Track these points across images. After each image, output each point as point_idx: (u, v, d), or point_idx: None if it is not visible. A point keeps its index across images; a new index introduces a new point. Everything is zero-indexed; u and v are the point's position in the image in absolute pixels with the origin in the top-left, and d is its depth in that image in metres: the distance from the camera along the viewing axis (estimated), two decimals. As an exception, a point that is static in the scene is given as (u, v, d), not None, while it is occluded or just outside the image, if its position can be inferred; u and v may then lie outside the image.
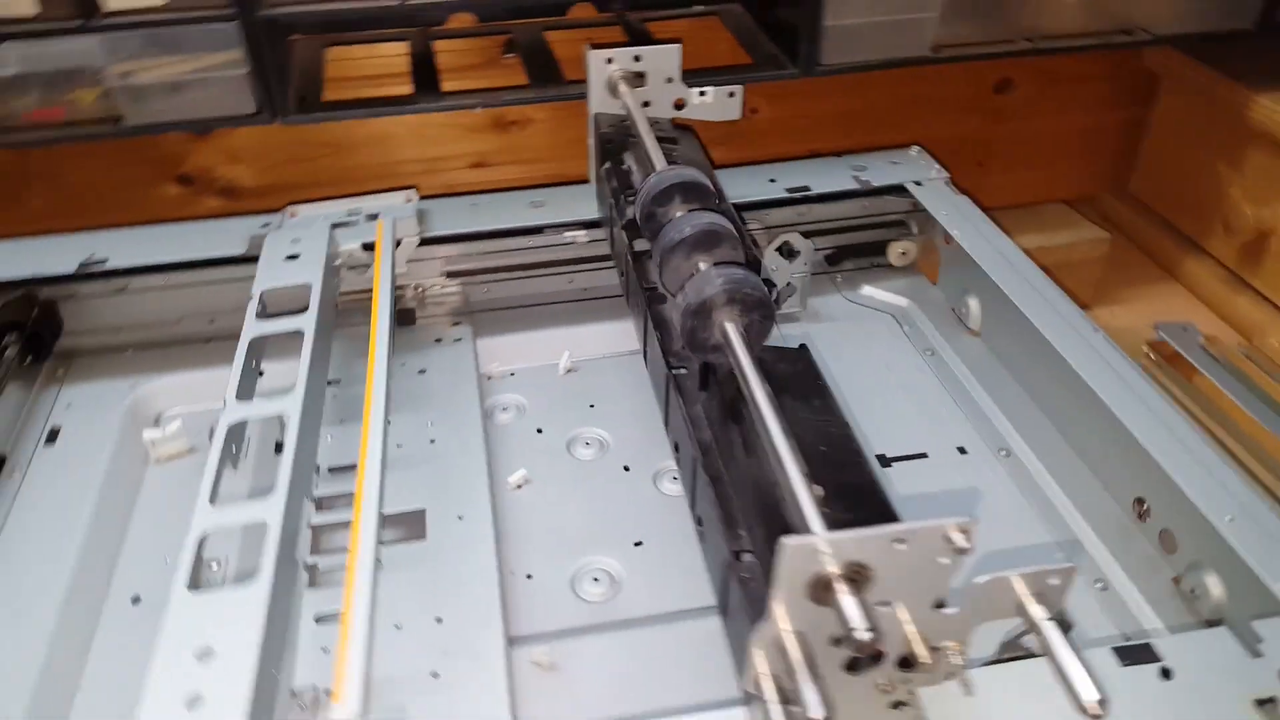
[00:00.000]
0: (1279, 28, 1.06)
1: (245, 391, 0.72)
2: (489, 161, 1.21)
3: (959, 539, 0.41)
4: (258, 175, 1.17)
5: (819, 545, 0.40)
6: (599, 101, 0.89)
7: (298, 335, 0.80)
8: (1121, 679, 0.54)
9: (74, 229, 0.97)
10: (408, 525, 0.77)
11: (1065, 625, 0.63)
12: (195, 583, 0.57)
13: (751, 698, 0.47)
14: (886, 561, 0.41)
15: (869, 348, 0.97)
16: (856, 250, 1.06)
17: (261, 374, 0.86)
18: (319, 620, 0.68)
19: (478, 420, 0.86)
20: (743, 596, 0.50)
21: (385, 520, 0.77)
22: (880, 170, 1.03)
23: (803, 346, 0.63)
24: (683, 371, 0.65)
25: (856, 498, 0.52)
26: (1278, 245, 1.13)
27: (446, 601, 0.71)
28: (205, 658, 0.53)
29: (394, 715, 0.52)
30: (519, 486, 0.84)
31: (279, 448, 0.78)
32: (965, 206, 0.98)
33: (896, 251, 1.05)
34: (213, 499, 0.62)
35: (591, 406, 0.92)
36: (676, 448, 0.68)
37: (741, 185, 1.00)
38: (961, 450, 0.85)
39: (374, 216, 0.94)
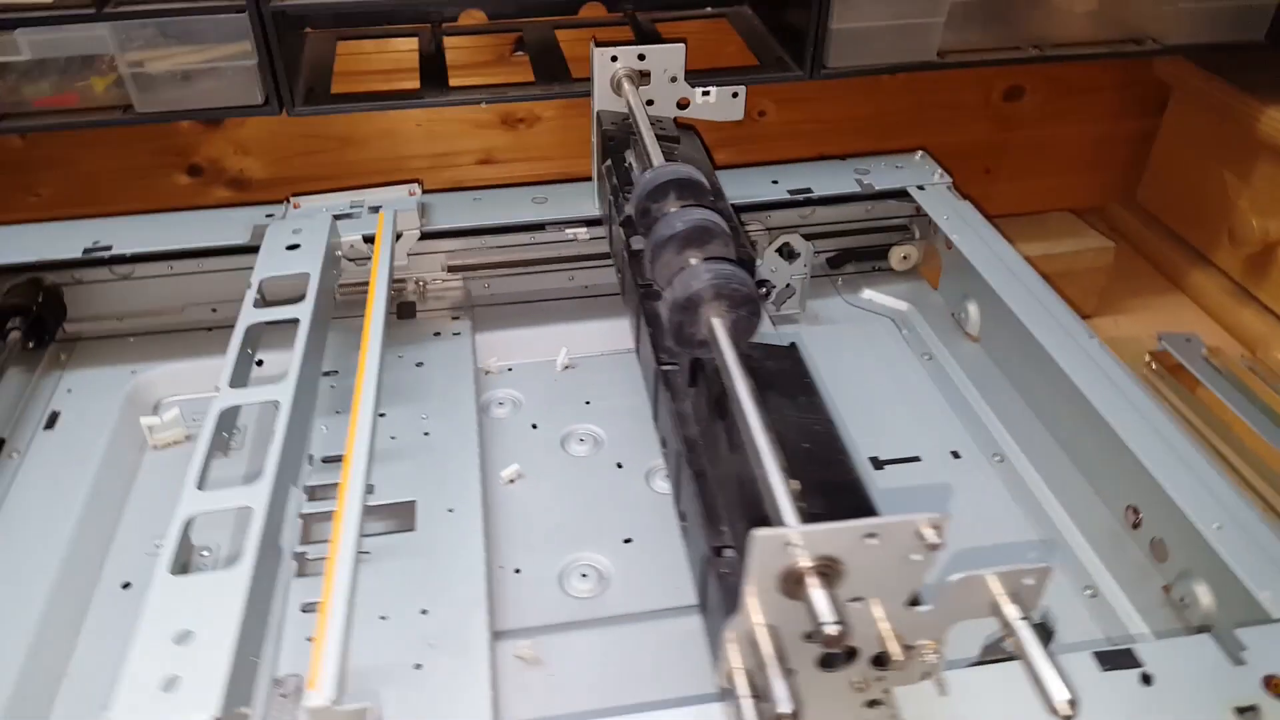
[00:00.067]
0: (1289, 40, 1.06)
1: (239, 379, 0.72)
2: (497, 158, 1.22)
3: (930, 534, 0.40)
4: (267, 167, 1.18)
5: (789, 538, 0.40)
6: (603, 99, 0.89)
7: (297, 325, 0.80)
8: (1101, 683, 0.54)
9: (85, 217, 0.97)
10: (398, 516, 0.77)
11: (1047, 632, 0.63)
12: (178, 566, 0.58)
13: (728, 693, 0.47)
14: (858, 556, 0.41)
15: (867, 351, 0.97)
16: (858, 254, 1.05)
17: (261, 364, 0.87)
18: (305, 609, 0.69)
19: (473, 414, 0.87)
20: (720, 592, 0.50)
21: (375, 511, 0.77)
22: (883, 174, 1.03)
23: (792, 345, 0.63)
24: (673, 367, 0.65)
25: (837, 494, 0.52)
26: (1284, 258, 1.12)
27: (433, 593, 0.71)
28: (184, 641, 0.53)
29: (372, 704, 0.52)
30: (511, 481, 0.84)
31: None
32: (967, 212, 0.98)
33: (898, 256, 1.05)
34: (201, 484, 0.63)
35: (587, 403, 0.92)
36: (664, 443, 0.68)
37: (744, 186, 1.00)
38: (955, 454, 0.85)
39: (376, 209, 0.94)
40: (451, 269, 1.00)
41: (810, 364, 0.92)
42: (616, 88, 0.87)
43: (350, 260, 0.94)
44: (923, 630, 0.46)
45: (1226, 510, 0.66)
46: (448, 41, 1.11)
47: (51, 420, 0.88)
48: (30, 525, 0.77)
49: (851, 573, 0.42)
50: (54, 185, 1.16)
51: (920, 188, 1.01)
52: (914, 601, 0.45)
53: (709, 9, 1.14)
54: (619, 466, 0.85)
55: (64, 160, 1.14)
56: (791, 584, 0.42)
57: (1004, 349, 0.90)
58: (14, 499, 0.80)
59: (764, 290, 0.98)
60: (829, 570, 0.41)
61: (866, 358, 0.96)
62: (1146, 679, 0.54)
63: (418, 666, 0.66)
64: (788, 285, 0.98)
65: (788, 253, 0.96)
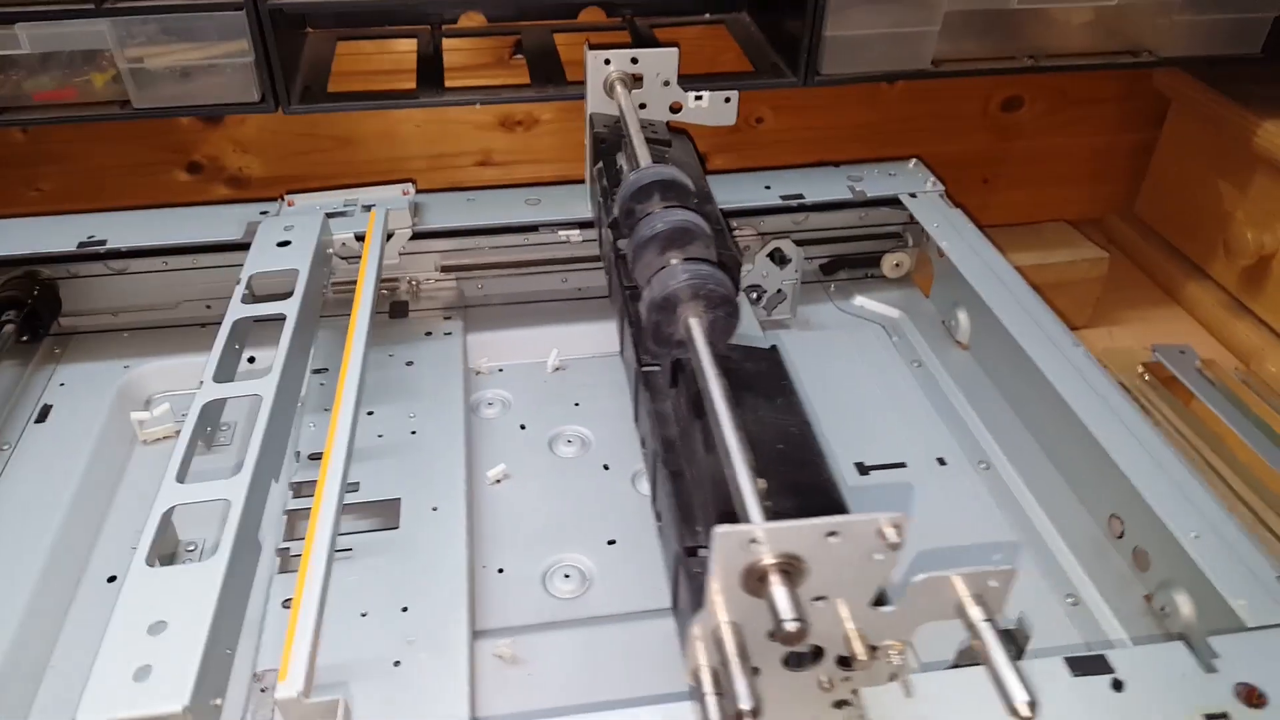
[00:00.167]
0: (1286, 53, 1.06)
1: (225, 373, 0.73)
2: (495, 160, 1.22)
3: (891, 534, 0.41)
4: (266, 166, 1.18)
5: (751, 534, 0.40)
6: (596, 102, 0.90)
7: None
8: (1072, 689, 0.54)
9: (85, 212, 0.98)
10: (382, 514, 0.78)
11: (1023, 637, 0.63)
12: (155, 558, 0.58)
13: (696, 691, 0.47)
14: (821, 555, 0.41)
15: (856, 357, 0.97)
16: (851, 261, 1.06)
17: (253, 360, 0.88)
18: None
19: (461, 414, 0.87)
20: (690, 591, 0.51)
21: (359, 508, 0.78)
22: (876, 181, 1.03)
23: (773, 347, 0.64)
24: (655, 368, 0.66)
25: (808, 495, 0.52)
26: (1279, 270, 1.12)
27: (414, 591, 0.71)
28: (158, 631, 0.53)
29: (342, 697, 0.52)
30: (498, 481, 0.84)
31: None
32: (958, 220, 0.98)
33: (890, 263, 1.05)
34: (182, 477, 0.63)
35: (576, 405, 0.92)
36: (644, 443, 0.68)
37: (736, 191, 1.00)
38: (941, 461, 0.85)
39: (369, 208, 0.95)
40: (445, 269, 1.00)
41: (798, 368, 0.94)
42: (609, 90, 0.88)
43: (343, 259, 0.94)
44: (888, 631, 0.46)
45: (1206, 520, 0.66)
46: (449, 44, 1.12)
47: (43, 413, 0.88)
48: (19, 517, 0.78)
49: (814, 571, 0.42)
50: (55, 180, 1.17)
51: (913, 195, 1.01)
52: (879, 602, 0.45)
53: (707, 15, 1.15)
54: (606, 468, 0.86)
55: (66, 155, 1.15)
56: (755, 581, 0.42)
57: (992, 357, 0.90)
58: (3, 491, 0.80)
59: (755, 295, 0.98)
60: (791, 568, 0.41)
61: (856, 364, 0.96)
62: (1118, 685, 0.54)
63: (396, 663, 0.66)
64: (779, 290, 0.98)
65: (779, 258, 0.97)
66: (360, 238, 0.92)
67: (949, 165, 1.23)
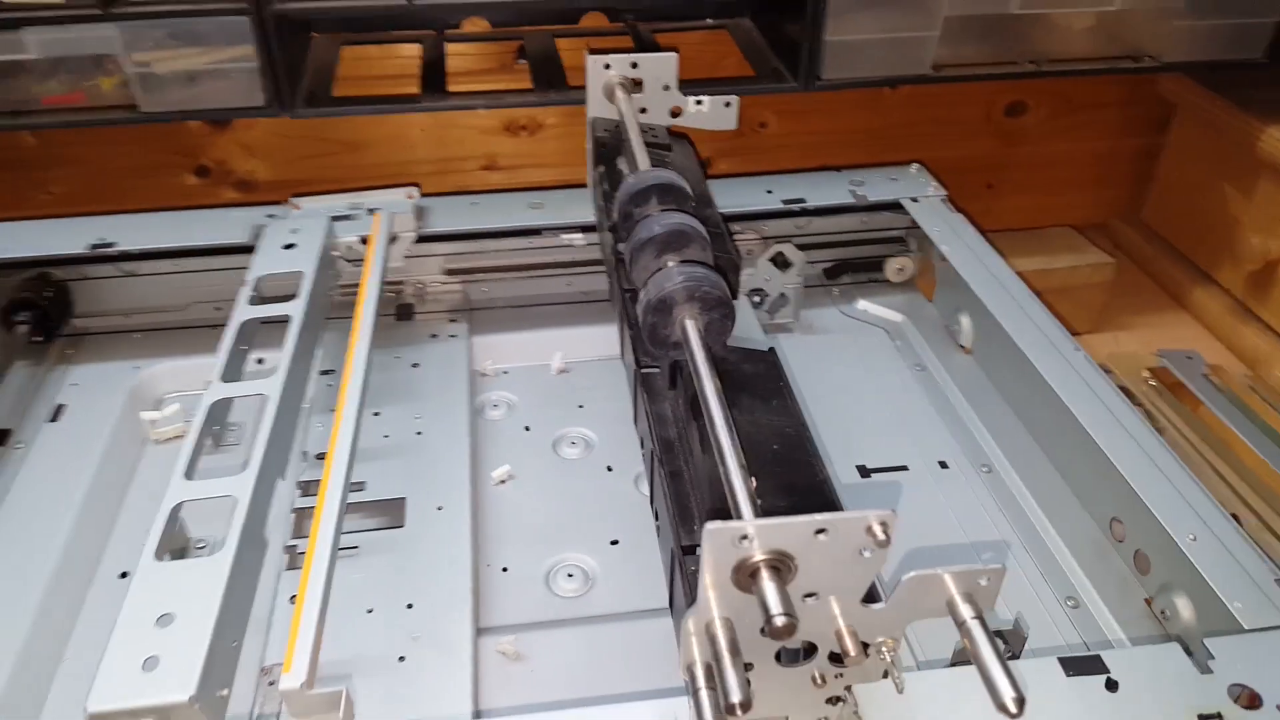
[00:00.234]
0: (1289, 59, 1.06)
1: (232, 373, 0.74)
2: (500, 165, 1.23)
3: (879, 531, 0.41)
4: (274, 169, 1.19)
5: (740, 531, 0.41)
6: (597, 106, 0.91)
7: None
8: (1066, 688, 0.55)
9: (95, 215, 0.99)
10: (387, 513, 0.79)
11: (1019, 638, 0.64)
12: (164, 552, 0.59)
13: (690, 686, 0.48)
14: (810, 551, 0.42)
15: (859, 361, 0.98)
16: (854, 265, 1.06)
17: (261, 362, 0.88)
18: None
19: (465, 415, 0.88)
20: (686, 589, 0.51)
21: (365, 507, 0.79)
22: (878, 186, 1.03)
23: (771, 349, 0.64)
24: (655, 370, 0.66)
25: (801, 494, 0.53)
26: (1284, 276, 1.12)
27: (419, 589, 0.72)
28: (166, 623, 0.54)
29: (345, 688, 0.53)
30: (502, 482, 0.85)
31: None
32: (960, 225, 0.98)
33: (893, 268, 1.06)
34: (189, 473, 0.64)
35: (580, 407, 0.93)
36: (642, 444, 0.69)
37: (738, 195, 1.01)
38: (943, 464, 0.86)
39: (375, 211, 0.96)
40: (450, 272, 1.01)
41: (801, 372, 0.94)
42: (610, 95, 0.89)
43: (349, 262, 0.95)
44: (880, 628, 0.47)
45: (1205, 523, 0.66)
46: (454, 49, 1.13)
47: (56, 413, 0.89)
48: (33, 515, 0.79)
49: (805, 568, 0.43)
50: (66, 183, 1.18)
51: (914, 200, 1.02)
52: (870, 599, 0.46)
53: (709, 20, 1.16)
54: (609, 469, 0.86)
55: (76, 159, 1.16)
56: (746, 577, 0.43)
57: (995, 361, 0.90)
58: (18, 489, 0.81)
59: (758, 299, 0.99)
60: (782, 565, 0.42)
61: (858, 368, 0.97)
62: (1112, 685, 0.55)
63: (401, 659, 0.67)
64: (781, 294, 0.99)
65: (781, 262, 0.97)
66: (365, 241, 0.93)
67: (953, 170, 1.24)
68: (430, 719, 0.63)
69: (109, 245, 0.93)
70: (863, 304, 1.05)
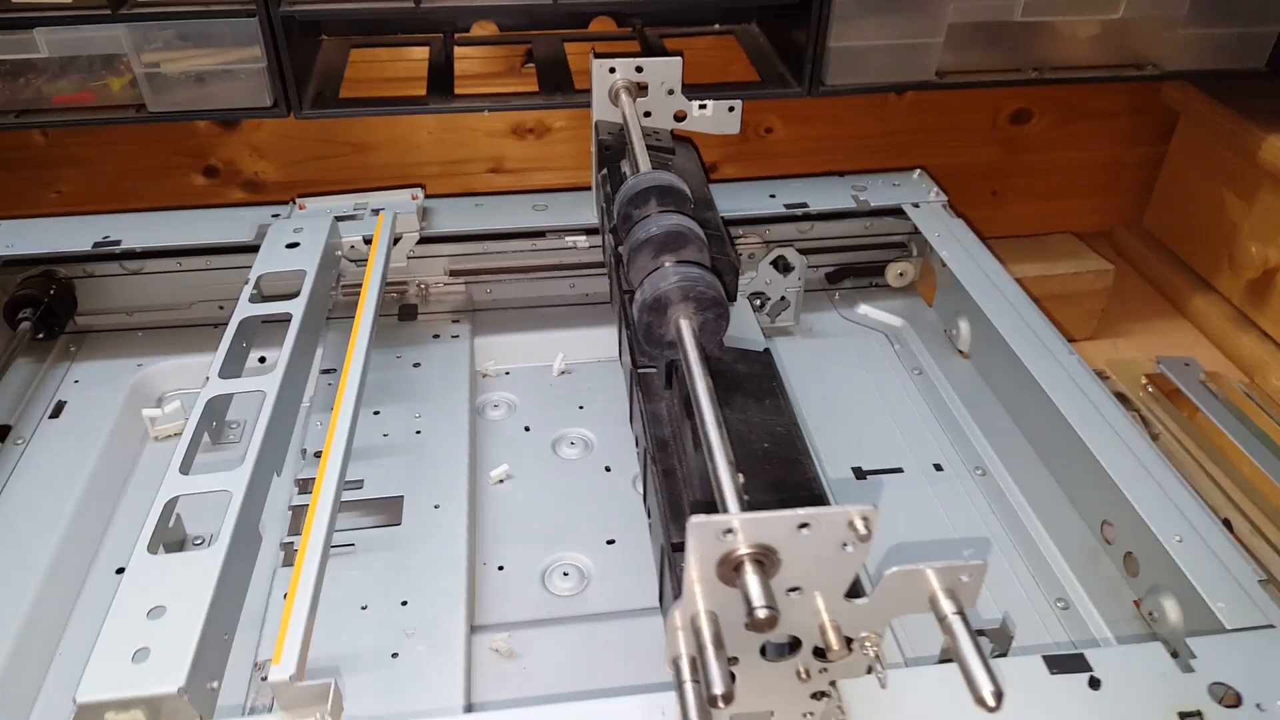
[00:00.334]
0: (1292, 68, 1.06)
1: (231, 370, 0.74)
2: (507, 167, 1.24)
3: (860, 526, 0.42)
4: (281, 170, 1.20)
5: (724, 524, 0.41)
6: (602, 109, 0.91)
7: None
8: (1049, 685, 0.55)
9: (103, 214, 1.00)
10: (385, 510, 0.79)
11: (1006, 637, 0.64)
12: (158, 545, 0.60)
13: (676, 679, 0.49)
14: (793, 546, 0.43)
15: (858, 364, 0.98)
16: (856, 269, 1.07)
17: (263, 360, 0.89)
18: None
19: (465, 415, 0.89)
20: (674, 585, 0.52)
21: (363, 505, 0.79)
22: (880, 191, 1.04)
23: (766, 350, 0.65)
24: (651, 370, 0.67)
25: (790, 491, 0.53)
26: (1283, 285, 1.13)
27: (414, 586, 0.73)
28: (157, 615, 0.55)
29: (333, 680, 0.53)
30: (501, 481, 0.86)
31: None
32: (960, 230, 0.99)
33: (894, 272, 1.06)
34: (185, 468, 0.65)
35: (581, 408, 0.94)
36: (637, 442, 0.69)
37: (741, 199, 1.01)
38: (937, 467, 0.86)
39: (379, 212, 0.96)
40: (453, 273, 1.02)
41: (800, 375, 0.95)
42: (614, 99, 0.89)
43: (352, 261, 0.96)
44: (863, 623, 0.47)
45: (1192, 526, 0.67)
46: (462, 52, 1.14)
47: (58, 409, 0.90)
48: (31, 510, 0.80)
49: (788, 562, 0.43)
50: (75, 182, 1.19)
51: (915, 205, 1.02)
52: (854, 594, 0.46)
53: (717, 26, 1.16)
54: (607, 470, 0.87)
55: (85, 159, 1.17)
56: (730, 571, 0.43)
57: (991, 366, 0.91)
58: (17, 484, 0.82)
59: (759, 302, 0.99)
60: (765, 559, 0.43)
61: (857, 371, 0.97)
62: (1095, 683, 0.55)
63: (395, 655, 0.68)
64: (782, 298, 1.00)
65: (782, 266, 0.98)
66: (369, 241, 0.93)
67: (958, 177, 1.24)
68: (421, 713, 0.63)
69: (113, 243, 0.94)
70: (863, 308, 1.05)
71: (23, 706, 0.67)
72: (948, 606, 0.45)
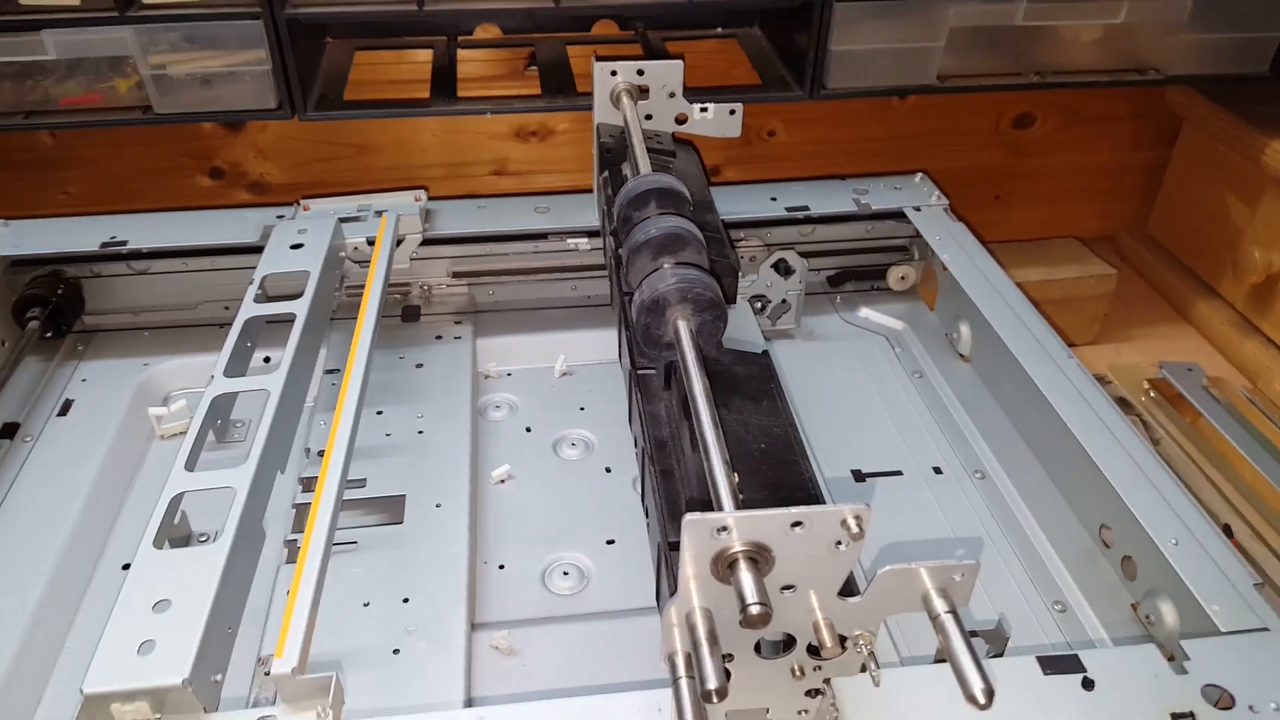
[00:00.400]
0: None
1: (235, 369, 0.75)
2: (509, 170, 1.24)
3: (853, 525, 0.42)
4: (286, 172, 1.21)
5: (719, 522, 0.42)
6: (603, 112, 0.92)
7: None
8: (1043, 686, 0.56)
9: (111, 215, 1.01)
10: (387, 509, 0.80)
11: (1002, 638, 0.64)
12: (163, 541, 0.60)
13: (672, 675, 0.49)
14: (787, 544, 0.43)
15: (859, 367, 0.99)
16: (857, 273, 1.07)
17: (268, 360, 0.90)
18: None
19: (467, 415, 0.89)
20: (671, 583, 0.52)
21: (365, 503, 0.80)
22: (881, 194, 1.04)
23: (764, 351, 0.65)
24: (651, 372, 0.67)
25: (785, 491, 0.54)
26: (1285, 290, 1.13)
27: (415, 584, 0.74)
28: (162, 609, 0.55)
29: (335, 674, 0.54)
30: (502, 481, 0.86)
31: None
32: (961, 234, 0.99)
33: (896, 276, 1.06)
34: (190, 465, 0.65)
35: (582, 409, 0.94)
36: (636, 443, 0.70)
37: (743, 202, 1.02)
38: (937, 470, 0.86)
39: (382, 213, 0.97)
40: (456, 275, 1.02)
41: (801, 377, 0.95)
42: (615, 101, 0.90)
43: (356, 263, 0.96)
44: (857, 621, 0.47)
45: (1189, 530, 0.67)
46: (466, 55, 1.14)
47: (65, 407, 0.91)
48: (39, 506, 0.81)
49: (782, 561, 0.44)
50: (82, 183, 1.20)
51: (917, 209, 1.02)
52: (848, 592, 0.46)
53: (719, 29, 1.17)
54: (608, 471, 0.88)
55: (92, 160, 1.18)
56: (724, 568, 0.44)
57: (991, 370, 0.91)
58: (25, 481, 0.83)
59: (760, 304, 1.00)
60: (759, 556, 0.43)
61: (858, 374, 0.98)
62: (1088, 684, 0.56)
63: (396, 651, 0.69)
64: (783, 300, 1.00)
65: (784, 269, 0.98)
66: (372, 242, 0.94)
67: (961, 181, 1.25)
68: (422, 705, 0.64)
69: (120, 244, 0.95)
70: (864, 311, 1.06)
71: (30, 698, 0.68)
72: (940, 605, 0.45)
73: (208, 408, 0.70)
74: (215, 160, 1.19)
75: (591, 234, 1.00)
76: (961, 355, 0.97)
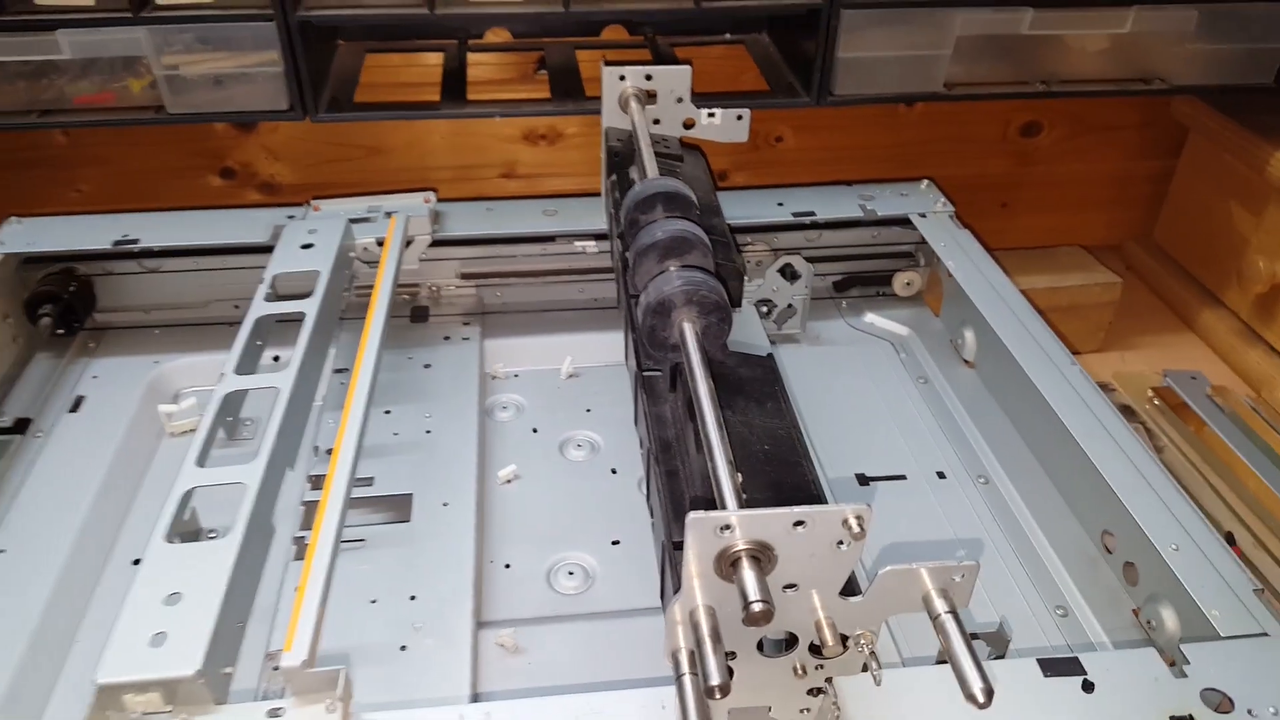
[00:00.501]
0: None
1: (246, 366, 0.76)
2: (519, 173, 1.25)
3: (854, 524, 0.43)
4: (297, 173, 1.22)
5: (722, 520, 0.43)
6: (611, 116, 0.93)
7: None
8: (1043, 688, 0.56)
9: (120, 213, 1.02)
10: (394, 508, 0.81)
11: (1003, 640, 0.65)
12: (174, 535, 0.61)
13: (675, 673, 0.50)
14: (789, 543, 0.44)
15: (864, 372, 0.99)
16: (863, 278, 1.08)
17: (278, 359, 0.91)
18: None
19: (474, 416, 0.90)
20: (675, 582, 0.53)
21: (373, 501, 0.81)
22: (887, 201, 1.05)
23: (769, 355, 0.66)
24: (656, 373, 0.68)
25: (788, 492, 0.54)
26: (1290, 299, 1.13)
27: (422, 581, 0.74)
28: (174, 602, 0.56)
29: (342, 666, 0.55)
30: (508, 481, 0.87)
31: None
32: (966, 241, 1.00)
33: (901, 282, 1.07)
34: (201, 461, 0.66)
35: (588, 411, 0.95)
36: (642, 444, 0.70)
37: (749, 207, 1.02)
38: (941, 475, 0.87)
39: (392, 214, 0.98)
40: (464, 276, 1.03)
41: (806, 382, 0.96)
42: (624, 106, 0.91)
43: (365, 263, 0.97)
44: (858, 620, 0.48)
45: (1189, 536, 0.68)
46: (476, 59, 1.15)
47: (76, 404, 0.92)
48: (51, 501, 0.81)
49: (784, 560, 0.45)
50: (94, 182, 1.21)
51: (922, 215, 1.03)
52: (849, 592, 0.47)
53: (728, 35, 1.18)
54: (613, 472, 0.88)
55: (104, 158, 1.19)
56: (727, 566, 0.44)
57: (995, 376, 0.92)
58: (36, 476, 0.84)
59: (765, 309, 1.01)
60: (761, 555, 0.44)
61: (863, 379, 0.98)
62: (1088, 686, 0.56)
63: (403, 648, 0.69)
64: (789, 305, 1.01)
65: (790, 273, 0.99)
66: (381, 243, 0.95)
67: (967, 189, 1.25)
68: (429, 701, 0.64)
69: (132, 242, 0.96)
70: (870, 317, 1.06)
71: (43, 690, 0.68)
72: (940, 606, 0.46)
73: (219, 404, 0.71)
74: (226, 160, 1.20)
75: (599, 237, 1.01)
76: (966, 361, 0.97)
